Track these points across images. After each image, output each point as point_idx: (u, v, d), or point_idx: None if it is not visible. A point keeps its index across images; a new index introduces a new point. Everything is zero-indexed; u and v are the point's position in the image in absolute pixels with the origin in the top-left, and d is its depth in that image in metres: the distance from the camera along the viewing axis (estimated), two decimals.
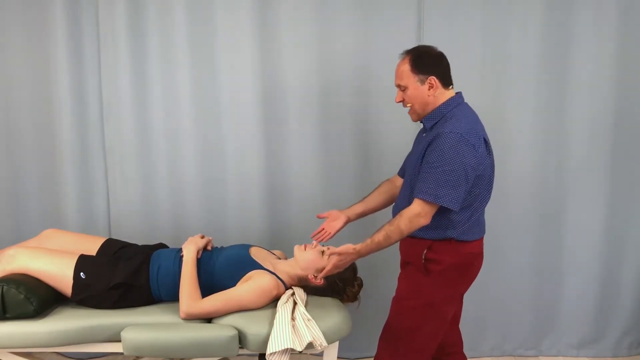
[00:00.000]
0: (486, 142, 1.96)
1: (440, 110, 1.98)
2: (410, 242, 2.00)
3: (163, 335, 2.00)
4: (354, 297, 2.28)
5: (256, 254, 2.29)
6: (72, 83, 2.73)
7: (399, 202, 2.09)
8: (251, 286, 2.11)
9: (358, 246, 1.94)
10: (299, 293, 2.20)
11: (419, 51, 2.00)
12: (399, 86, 2.02)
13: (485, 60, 2.75)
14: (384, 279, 2.63)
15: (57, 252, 2.23)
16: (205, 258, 2.25)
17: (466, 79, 2.71)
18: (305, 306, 2.14)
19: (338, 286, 2.24)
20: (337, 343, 2.12)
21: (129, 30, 2.70)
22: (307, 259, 2.23)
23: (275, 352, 1.94)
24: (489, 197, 2.03)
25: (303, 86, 2.75)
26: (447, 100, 1.99)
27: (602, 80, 2.76)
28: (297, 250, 2.28)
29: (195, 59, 2.74)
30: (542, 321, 2.96)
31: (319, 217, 2.33)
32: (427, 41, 2.66)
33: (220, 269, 2.20)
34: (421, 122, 2.06)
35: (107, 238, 2.42)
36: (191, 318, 2.07)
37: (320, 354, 2.44)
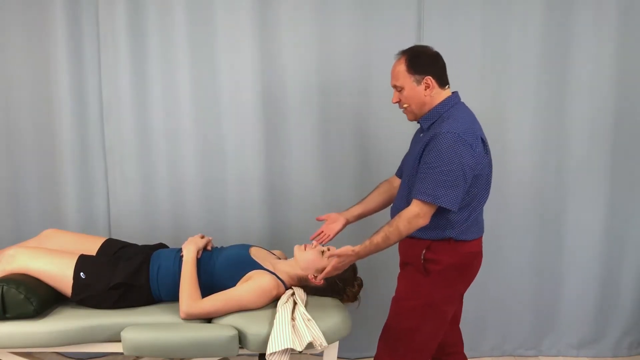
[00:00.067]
0: (483, 142, 1.96)
1: (437, 110, 1.98)
2: (409, 242, 2.00)
3: (163, 335, 2.00)
4: (354, 297, 2.28)
5: (256, 254, 2.29)
6: (72, 83, 2.73)
7: (397, 203, 2.09)
8: (251, 286, 2.11)
9: (357, 248, 1.94)
10: (299, 293, 2.20)
11: (414, 51, 1.99)
12: (395, 87, 2.01)
13: (485, 60, 2.75)
14: (383, 279, 2.63)
15: (57, 252, 2.23)
16: (205, 258, 2.25)
17: (466, 79, 2.72)
18: (305, 306, 2.14)
19: (338, 286, 2.24)
20: (337, 343, 2.12)
21: (129, 30, 2.70)
22: (307, 259, 2.23)
23: (275, 352, 1.94)
24: (487, 196, 2.03)
25: (303, 86, 2.76)
26: (444, 100, 1.99)
27: (602, 80, 2.76)
28: (297, 250, 2.29)
29: (195, 59, 2.74)
30: (542, 321, 2.96)
31: (318, 220, 2.33)
32: (427, 41, 2.66)
33: (220, 269, 2.20)
34: (418, 122, 2.06)
35: (107, 238, 2.42)
36: (191, 318, 2.07)
37: (320, 354, 2.44)
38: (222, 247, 2.36)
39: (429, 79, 1.95)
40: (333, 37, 2.73)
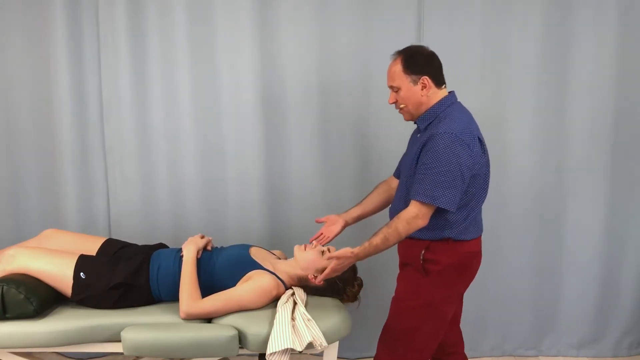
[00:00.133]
0: (480, 141, 1.96)
1: (434, 110, 1.98)
2: (408, 243, 2.00)
3: (163, 335, 2.00)
4: (354, 297, 2.28)
5: (256, 254, 2.29)
6: (72, 83, 2.73)
7: (396, 204, 2.09)
8: (251, 286, 2.11)
9: (356, 249, 1.94)
10: (299, 293, 2.20)
11: (410, 51, 1.99)
12: (391, 87, 2.01)
13: (485, 60, 2.75)
14: (383, 279, 2.63)
15: (57, 252, 2.23)
16: (205, 258, 2.25)
17: (466, 79, 2.72)
18: (305, 306, 2.14)
19: (338, 286, 2.24)
20: (337, 343, 2.12)
21: (129, 30, 2.70)
22: (307, 259, 2.23)
23: (275, 352, 1.94)
24: (485, 196, 2.03)
25: (303, 86, 2.76)
26: (441, 100, 1.98)
27: (602, 80, 2.76)
28: (297, 250, 2.28)
29: (195, 59, 2.74)
30: (542, 321, 2.96)
31: (317, 222, 2.33)
32: (427, 41, 2.67)
33: (220, 269, 2.20)
34: (415, 122, 2.06)
35: (107, 238, 2.42)
36: (191, 318, 2.07)
37: (320, 354, 2.44)
38: (222, 247, 2.36)
39: (426, 79, 1.95)
40: (333, 37, 2.73)
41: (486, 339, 2.97)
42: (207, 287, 2.15)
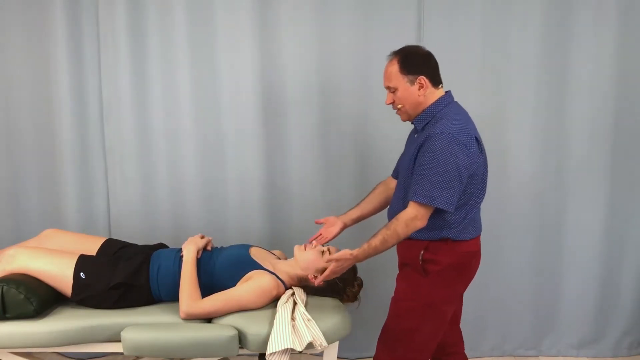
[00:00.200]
0: (478, 141, 1.95)
1: (431, 110, 1.98)
2: (407, 243, 2.00)
3: (163, 335, 2.00)
4: (354, 297, 2.28)
5: (256, 254, 2.29)
6: (72, 83, 2.73)
7: (394, 205, 2.09)
8: (251, 286, 2.11)
9: (355, 251, 1.94)
10: (299, 293, 2.20)
11: (407, 51, 1.99)
12: (388, 88, 2.01)
13: (485, 60, 2.75)
14: (383, 279, 2.63)
15: (57, 252, 2.23)
16: (205, 258, 2.25)
17: (466, 79, 2.72)
18: (305, 306, 2.14)
19: (338, 286, 2.24)
20: (337, 343, 2.12)
21: (129, 30, 2.70)
22: (307, 259, 2.23)
23: (275, 352, 1.94)
24: (483, 195, 2.03)
25: (303, 86, 2.75)
26: (437, 99, 1.98)
27: (602, 80, 2.76)
28: (297, 250, 2.29)
29: (195, 59, 2.74)
30: (542, 321, 2.96)
31: (316, 223, 2.33)
32: (427, 41, 2.67)
33: (220, 269, 2.20)
34: (412, 123, 2.05)
35: (107, 238, 2.42)
36: (191, 318, 2.07)
37: (320, 354, 2.44)
38: (222, 247, 2.36)
39: (423, 79, 1.95)
40: (333, 37, 2.73)
41: (486, 339, 2.97)
42: (207, 287, 2.15)
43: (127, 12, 2.69)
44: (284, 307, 2.06)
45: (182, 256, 2.22)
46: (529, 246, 2.88)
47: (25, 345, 2.03)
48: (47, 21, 2.70)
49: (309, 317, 2.02)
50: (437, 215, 1.92)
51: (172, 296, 2.19)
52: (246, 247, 2.32)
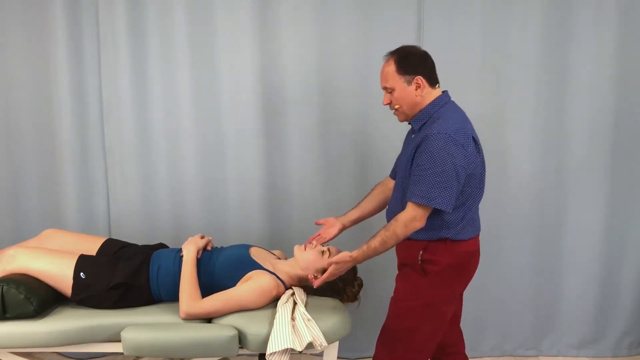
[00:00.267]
0: (475, 141, 1.95)
1: (428, 110, 1.97)
2: (406, 244, 2.00)
3: (163, 335, 2.00)
4: (354, 297, 2.28)
5: (256, 254, 2.29)
6: (72, 83, 2.73)
7: (392, 205, 2.09)
8: (251, 286, 2.11)
9: (354, 253, 1.94)
10: (299, 293, 2.20)
11: (403, 51, 1.98)
12: (385, 88, 2.00)
13: (485, 60, 2.75)
14: (383, 279, 2.63)
15: (57, 252, 2.23)
16: (205, 258, 2.25)
17: (466, 79, 2.72)
18: (305, 306, 2.14)
19: (338, 286, 2.24)
20: (337, 343, 2.12)
21: (129, 30, 2.70)
22: (307, 259, 2.23)
23: (275, 352, 1.94)
24: (482, 195, 2.03)
25: (303, 86, 2.75)
26: (434, 100, 1.98)
27: (602, 80, 2.76)
28: (297, 250, 2.29)
29: (195, 59, 2.74)
30: (542, 321, 2.96)
31: (316, 224, 2.34)
32: (427, 41, 2.67)
33: (220, 269, 2.20)
34: (409, 123, 2.05)
35: (107, 238, 2.42)
36: (191, 318, 2.07)
37: (320, 354, 2.44)
38: (222, 247, 2.36)
39: (420, 79, 1.95)
40: (333, 37, 2.73)
41: (486, 339, 2.97)
42: (207, 287, 2.15)
43: (127, 12, 2.69)
44: (284, 307, 2.06)
45: (182, 256, 2.22)
46: (529, 246, 2.88)
47: (25, 345, 2.03)
48: (47, 21, 2.70)
49: (309, 317, 2.02)
50: (435, 215, 1.92)
51: (172, 296, 2.19)
52: (246, 247, 2.32)
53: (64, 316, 2.08)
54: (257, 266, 2.20)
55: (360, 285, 2.30)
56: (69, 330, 2.03)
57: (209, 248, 2.31)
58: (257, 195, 2.81)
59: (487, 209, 2.60)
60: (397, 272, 2.13)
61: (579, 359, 2.98)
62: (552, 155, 2.82)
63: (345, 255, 1.95)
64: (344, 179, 2.82)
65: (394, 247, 2.03)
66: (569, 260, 2.90)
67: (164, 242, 2.60)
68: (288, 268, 2.26)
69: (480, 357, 2.97)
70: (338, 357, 2.17)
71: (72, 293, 2.14)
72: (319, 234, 2.30)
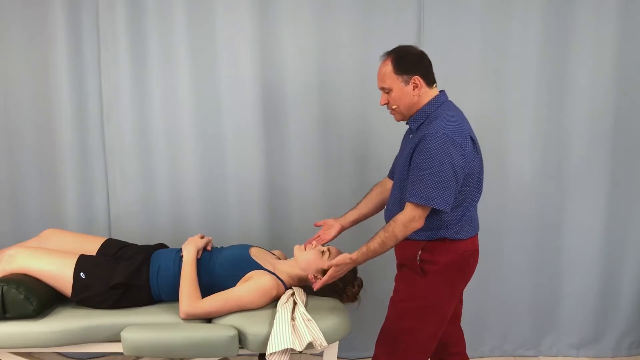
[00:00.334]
0: (473, 140, 1.95)
1: (425, 110, 1.97)
2: (405, 244, 2.00)
3: (163, 335, 2.00)
4: (354, 297, 2.28)
5: (256, 254, 2.29)
6: (72, 83, 2.73)
7: (390, 206, 2.09)
8: (251, 286, 2.11)
9: (354, 255, 1.95)
10: (299, 293, 2.20)
11: (400, 51, 1.98)
12: (382, 89, 2.00)
13: (485, 60, 2.75)
14: (383, 279, 2.62)
15: (57, 252, 2.23)
16: (205, 258, 2.25)
17: (466, 79, 2.72)
18: (305, 306, 2.14)
19: (338, 286, 2.24)
20: (337, 343, 2.12)
21: (129, 30, 2.70)
22: (307, 259, 2.23)
23: (275, 352, 1.94)
24: (480, 194, 2.03)
25: (303, 86, 2.75)
26: (432, 99, 1.98)
27: (602, 80, 2.76)
28: (297, 250, 2.29)
29: (195, 59, 2.73)
30: (542, 321, 2.96)
31: (315, 225, 2.34)
32: (427, 41, 2.67)
33: (220, 269, 2.20)
34: (406, 123, 2.05)
35: (107, 238, 2.42)
36: (191, 318, 2.07)
37: (320, 354, 2.44)
38: (222, 247, 2.36)
39: (417, 79, 1.95)
40: (333, 37, 2.73)
41: (486, 339, 2.97)
42: (207, 287, 2.15)
43: (127, 12, 2.69)
44: (284, 307, 2.06)
45: (182, 256, 2.22)
46: (529, 246, 2.88)
47: (25, 345, 2.03)
48: (47, 21, 2.70)
49: (309, 317, 2.02)
50: (434, 215, 1.93)
51: (172, 296, 2.19)
52: (246, 247, 2.32)
53: (64, 316, 2.08)
54: (257, 266, 2.20)
55: (360, 286, 2.30)
56: (69, 330, 2.03)
57: (209, 248, 2.31)
58: (257, 195, 2.81)
59: (487, 209, 2.60)
60: (396, 272, 2.13)
61: (579, 359, 2.98)
62: (552, 155, 2.82)
63: (345, 257, 1.95)
64: (343, 179, 2.82)
65: (393, 247, 2.03)
66: (569, 260, 2.90)
67: (164, 242, 2.59)
68: (288, 268, 2.26)
69: (480, 357, 2.97)
70: (338, 357, 2.17)
71: (72, 293, 2.14)
72: (318, 236, 2.31)
